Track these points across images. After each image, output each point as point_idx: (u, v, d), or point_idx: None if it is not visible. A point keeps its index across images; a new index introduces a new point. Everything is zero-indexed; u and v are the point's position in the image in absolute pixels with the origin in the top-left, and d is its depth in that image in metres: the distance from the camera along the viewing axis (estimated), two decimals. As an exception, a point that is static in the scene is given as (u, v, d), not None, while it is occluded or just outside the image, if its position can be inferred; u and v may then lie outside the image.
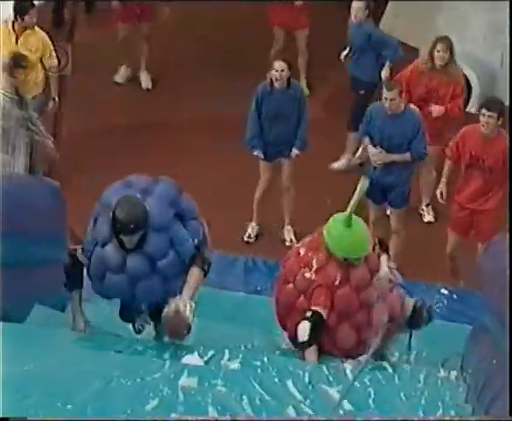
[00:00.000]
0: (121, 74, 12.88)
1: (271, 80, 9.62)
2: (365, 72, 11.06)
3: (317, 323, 6.30)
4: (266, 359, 6.27)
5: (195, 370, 5.94)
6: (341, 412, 5.60)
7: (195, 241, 6.49)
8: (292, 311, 6.56)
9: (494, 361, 5.96)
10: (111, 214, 6.21)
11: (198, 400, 5.53)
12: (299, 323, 6.32)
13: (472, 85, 11.82)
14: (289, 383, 5.94)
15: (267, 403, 5.60)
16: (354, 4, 10.88)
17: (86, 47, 12.19)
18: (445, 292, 9.10)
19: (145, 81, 12.79)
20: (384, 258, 6.55)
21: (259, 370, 6.18)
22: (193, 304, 6.19)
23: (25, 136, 9.41)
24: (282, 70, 9.47)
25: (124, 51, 12.84)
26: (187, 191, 6.59)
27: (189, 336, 6.22)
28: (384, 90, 9.19)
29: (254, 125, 9.81)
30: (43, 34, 10.16)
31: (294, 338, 6.50)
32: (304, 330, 6.29)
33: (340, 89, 12.14)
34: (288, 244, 10.04)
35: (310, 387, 5.92)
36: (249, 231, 10.36)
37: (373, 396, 5.85)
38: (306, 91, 11.79)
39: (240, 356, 6.45)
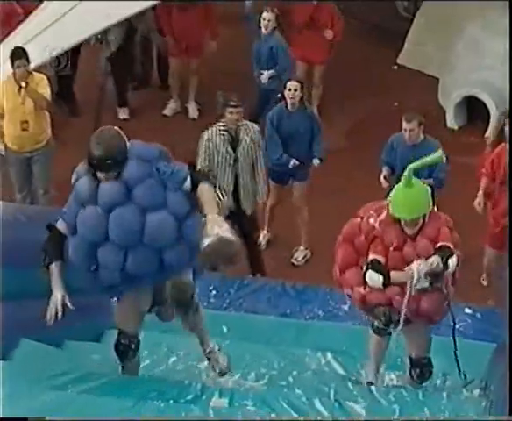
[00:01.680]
0: (170, 107, 12.82)
1: (285, 101, 9.59)
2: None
3: (377, 263, 6.24)
4: (291, 378, 6.40)
5: (226, 391, 5.96)
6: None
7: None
8: (347, 243, 6.47)
9: None
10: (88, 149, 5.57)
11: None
12: (364, 275, 6.27)
13: (491, 112, 11.84)
14: (316, 401, 5.92)
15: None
16: (264, 15, 11.21)
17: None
18: (469, 311, 9.11)
19: (193, 111, 12.78)
20: (433, 258, 6.20)
21: (285, 389, 6.22)
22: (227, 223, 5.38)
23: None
24: (295, 90, 9.45)
25: (174, 85, 12.83)
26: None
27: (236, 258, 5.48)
28: (404, 122, 9.17)
29: (278, 146, 9.69)
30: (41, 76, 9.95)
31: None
32: (372, 277, 6.22)
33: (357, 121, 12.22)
34: (296, 263, 10.14)
35: (337, 404, 5.93)
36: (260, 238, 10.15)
37: (397, 412, 5.89)
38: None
39: (267, 377, 6.56)
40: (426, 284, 6.18)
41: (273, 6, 11.65)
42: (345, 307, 8.07)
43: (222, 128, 9.05)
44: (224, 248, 5.25)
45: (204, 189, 5.53)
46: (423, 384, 6.59)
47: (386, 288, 6.25)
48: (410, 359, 6.57)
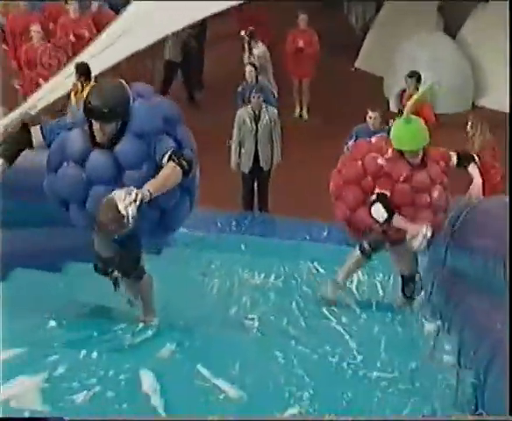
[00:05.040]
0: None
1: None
2: None
3: (385, 199, 5.21)
4: (298, 277, 6.43)
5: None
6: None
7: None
8: (353, 185, 5.46)
9: (452, 283, 5.29)
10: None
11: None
12: (371, 206, 5.22)
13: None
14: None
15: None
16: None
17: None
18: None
19: None
20: (473, 168, 5.43)
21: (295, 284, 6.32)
22: (144, 197, 3.61)
23: None
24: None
25: None
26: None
27: (124, 231, 3.64)
28: (369, 112, 8.52)
29: None
30: None
31: (360, 230, 5.47)
32: (378, 209, 5.19)
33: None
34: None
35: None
36: None
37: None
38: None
39: (282, 277, 6.36)
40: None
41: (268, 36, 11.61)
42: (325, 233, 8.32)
43: (249, 109, 9.32)
44: (108, 212, 3.61)
45: (167, 168, 3.82)
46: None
47: (386, 223, 5.22)
48: (403, 277, 5.64)
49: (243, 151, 9.40)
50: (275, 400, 2.75)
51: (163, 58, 11.86)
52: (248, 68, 10.36)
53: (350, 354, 3.70)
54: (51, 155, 3.98)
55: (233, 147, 9.50)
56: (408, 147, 5.25)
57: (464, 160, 5.47)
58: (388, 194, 5.22)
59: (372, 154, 5.38)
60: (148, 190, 3.66)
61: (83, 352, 3.05)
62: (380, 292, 6.27)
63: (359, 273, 6.35)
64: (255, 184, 9.63)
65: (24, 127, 3.97)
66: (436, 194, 5.30)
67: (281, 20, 11.99)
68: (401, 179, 5.25)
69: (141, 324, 3.87)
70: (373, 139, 5.56)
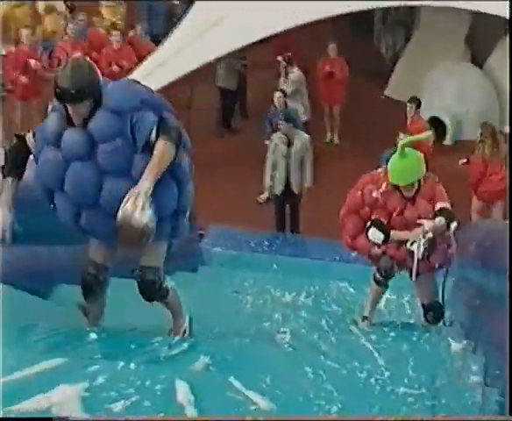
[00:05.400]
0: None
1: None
2: None
3: (379, 223, 5.25)
4: (328, 296, 6.41)
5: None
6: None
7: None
8: (353, 214, 5.48)
9: (477, 303, 5.26)
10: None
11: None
12: (367, 232, 5.28)
13: (447, 126, 11.97)
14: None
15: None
16: None
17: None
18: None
19: None
20: (438, 219, 5.17)
21: (324, 304, 6.24)
22: (147, 191, 3.50)
23: None
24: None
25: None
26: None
27: (147, 242, 3.59)
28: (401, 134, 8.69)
29: None
30: None
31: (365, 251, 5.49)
32: (374, 232, 5.23)
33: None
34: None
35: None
36: None
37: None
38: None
39: (312, 295, 6.39)
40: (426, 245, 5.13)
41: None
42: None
43: (283, 134, 9.35)
44: (126, 230, 3.50)
45: (159, 146, 3.62)
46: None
47: (385, 244, 5.29)
48: (423, 305, 5.50)
49: (275, 174, 9.43)
50: (305, 413, 2.74)
51: (202, 84, 11.90)
52: (277, 94, 10.42)
53: (378, 370, 3.67)
54: (36, 147, 3.81)
55: (266, 171, 9.55)
56: (398, 182, 5.21)
57: (443, 211, 5.23)
58: (384, 221, 5.24)
59: (369, 186, 5.38)
60: (147, 180, 3.54)
61: (121, 363, 3.06)
62: (408, 311, 6.23)
63: (387, 293, 6.32)
64: (287, 206, 9.66)
65: (20, 138, 3.85)
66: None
67: (312, 48, 12.03)
68: (395, 214, 5.25)
69: (177, 338, 3.87)
70: (379, 170, 5.49)
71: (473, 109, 11.52)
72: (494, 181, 9.07)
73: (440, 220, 5.15)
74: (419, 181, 5.25)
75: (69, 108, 3.65)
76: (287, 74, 11.42)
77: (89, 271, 3.97)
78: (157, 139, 3.63)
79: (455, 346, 4.59)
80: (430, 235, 5.08)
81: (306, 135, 9.54)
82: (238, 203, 10.05)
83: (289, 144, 9.35)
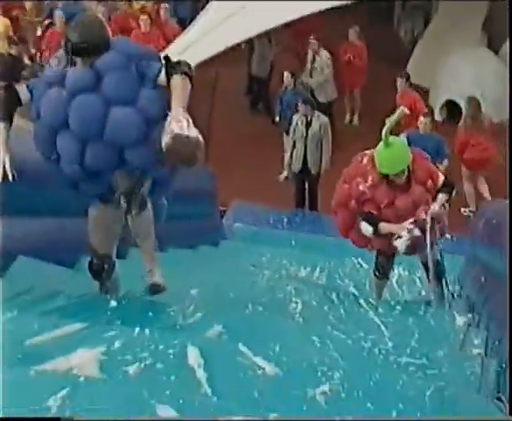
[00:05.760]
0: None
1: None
2: None
3: (369, 216, 5.12)
4: (341, 272, 6.36)
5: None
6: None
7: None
8: (342, 207, 5.35)
9: (483, 279, 5.23)
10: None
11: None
12: (359, 227, 5.17)
13: (463, 111, 11.80)
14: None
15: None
16: None
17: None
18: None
19: None
20: (441, 196, 5.15)
21: (338, 279, 6.31)
22: (188, 118, 3.37)
23: None
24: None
25: None
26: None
27: (200, 152, 3.39)
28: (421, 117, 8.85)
29: None
30: None
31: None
32: (365, 226, 5.11)
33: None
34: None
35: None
36: None
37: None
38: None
39: (326, 271, 6.51)
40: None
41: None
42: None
43: (302, 115, 9.35)
44: (181, 146, 3.33)
45: (176, 81, 3.51)
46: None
47: (375, 236, 5.16)
48: (423, 263, 5.45)
49: (294, 152, 9.46)
50: (308, 377, 2.79)
51: (228, 67, 11.87)
52: (285, 74, 10.45)
53: (382, 341, 3.71)
54: (33, 104, 3.71)
55: (286, 149, 9.59)
56: (387, 171, 5.05)
57: (445, 187, 5.20)
58: (374, 212, 5.08)
59: (357, 179, 5.21)
60: (179, 107, 3.40)
61: (137, 329, 3.12)
62: (419, 286, 6.26)
63: (400, 268, 6.35)
64: (306, 185, 9.68)
65: (11, 87, 3.73)
66: (421, 214, 5.07)
67: (332, 34, 11.96)
68: (383, 206, 5.10)
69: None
70: (364, 159, 5.28)
71: (489, 93, 11.38)
72: (476, 150, 9.39)
73: (442, 197, 5.10)
74: (408, 167, 5.08)
75: (79, 63, 3.62)
76: (314, 56, 11.28)
77: (94, 261, 4.04)
78: (168, 78, 3.54)
79: (459, 320, 4.61)
80: (415, 233, 4.95)
81: (325, 118, 9.53)
82: (260, 181, 10.08)
83: (308, 125, 9.36)
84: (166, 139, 3.34)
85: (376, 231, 5.08)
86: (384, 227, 5.06)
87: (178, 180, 4.17)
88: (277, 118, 10.26)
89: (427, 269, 5.34)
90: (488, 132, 9.57)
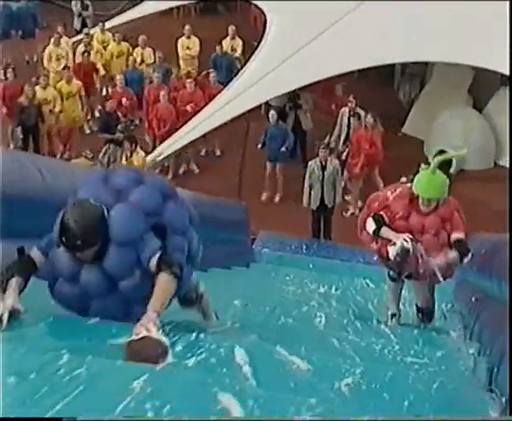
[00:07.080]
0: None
1: None
2: None
3: (378, 216, 4.60)
4: (353, 290, 6.36)
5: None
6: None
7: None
8: (367, 208, 4.83)
9: (473, 299, 5.16)
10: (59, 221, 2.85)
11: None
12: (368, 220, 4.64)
13: (453, 161, 11.78)
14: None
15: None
16: None
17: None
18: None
19: None
20: (452, 255, 4.51)
21: (350, 295, 6.18)
22: (158, 322, 2.71)
23: None
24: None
25: None
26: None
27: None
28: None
29: None
30: None
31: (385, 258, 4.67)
32: (370, 222, 4.59)
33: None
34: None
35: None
36: None
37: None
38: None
39: (339, 290, 6.39)
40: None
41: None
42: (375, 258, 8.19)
43: (318, 159, 9.45)
44: (148, 347, 2.62)
45: (161, 280, 2.87)
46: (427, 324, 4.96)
47: (375, 236, 4.61)
48: (416, 305, 5.01)
49: (312, 193, 9.55)
50: (334, 372, 2.83)
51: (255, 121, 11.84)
52: (271, 113, 10.48)
53: (390, 345, 3.75)
54: (46, 266, 2.97)
55: (305, 190, 9.67)
56: (421, 191, 4.49)
57: (460, 246, 4.50)
58: (386, 219, 4.57)
59: (389, 187, 4.80)
60: (153, 313, 2.74)
61: (194, 334, 3.13)
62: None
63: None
64: (321, 218, 9.77)
65: (20, 251, 2.93)
66: (425, 238, 4.51)
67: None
68: (397, 216, 4.57)
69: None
70: (390, 195, 4.72)
71: (474, 145, 11.41)
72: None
73: (453, 256, 4.49)
74: (438, 202, 4.53)
75: (76, 254, 2.91)
76: (355, 114, 10.80)
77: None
78: (159, 271, 2.89)
79: (453, 334, 4.63)
80: (406, 245, 4.39)
81: (336, 160, 9.65)
82: (283, 214, 10.17)
83: (323, 168, 9.45)
84: (130, 339, 2.64)
85: (378, 231, 4.57)
86: (385, 231, 4.54)
87: (217, 212, 4.20)
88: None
89: (418, 310, 4.99)
90: None
